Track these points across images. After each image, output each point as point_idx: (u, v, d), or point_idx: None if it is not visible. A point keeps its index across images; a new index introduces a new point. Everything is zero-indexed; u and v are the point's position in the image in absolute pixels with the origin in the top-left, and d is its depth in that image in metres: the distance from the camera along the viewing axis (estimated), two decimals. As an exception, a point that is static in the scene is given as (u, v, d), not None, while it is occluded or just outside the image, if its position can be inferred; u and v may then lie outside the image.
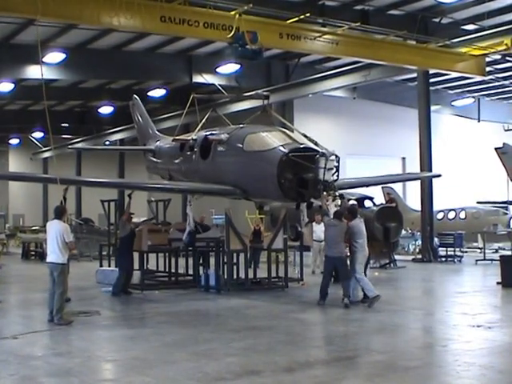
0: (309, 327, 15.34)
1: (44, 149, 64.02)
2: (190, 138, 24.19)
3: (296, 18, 24.08)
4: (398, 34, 27.22)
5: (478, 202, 40.83)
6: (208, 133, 23.31)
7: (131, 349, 12.43)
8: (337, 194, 19.32)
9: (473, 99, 50.14)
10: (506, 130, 52.55)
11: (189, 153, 24.15)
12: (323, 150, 19.27)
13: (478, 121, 51.50)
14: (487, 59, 33.59)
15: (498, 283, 21.97)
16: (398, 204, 32.48)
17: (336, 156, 19.17)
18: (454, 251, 33.35)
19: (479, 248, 34.76)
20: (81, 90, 46.56)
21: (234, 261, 21.72)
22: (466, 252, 35.50)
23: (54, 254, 15.14)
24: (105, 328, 15.08)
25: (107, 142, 55.75)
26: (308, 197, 20.00)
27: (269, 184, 20.08)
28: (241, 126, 22.97)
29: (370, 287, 17.84)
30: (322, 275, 18.91)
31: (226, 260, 21.37)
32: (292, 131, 22.63)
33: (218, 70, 38.23)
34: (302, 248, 23.96)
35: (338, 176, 19.42)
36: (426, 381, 10.27)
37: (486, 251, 33.06)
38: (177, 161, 25.25)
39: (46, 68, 35.60)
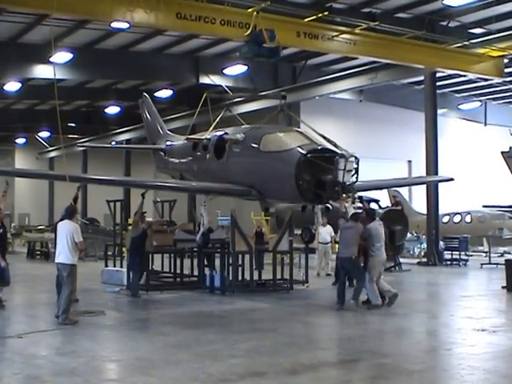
0: (313, 329, 15.33)
1: (50, 148, 64.16)
2: (203, 137, 23.89)
3: (314, 17, 23.84)
4: (415, 35, 27.05)
5: (483, 206, 40.75)
6: (222, 132, 23.08)
7: (135, 349, 12.43)
8: (356, 196, 19.15)
9: (479, 103, 50.04)
10: (512, 134, 52.44)
11: (202, 152, 23.87)
12: (342, 152, 19.01)
13: (485, 124, 51.38)
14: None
15: (503, 287, 21.92)
16: (403, 207, 32.44)
17: (355, 158, 18.91)
18: (460, 255, 33.34)
19: (484, 252, 34.73)
20: (87, 90, 46.64)
21: (239, 262, 21.73)
22: (472, 256, 35.45)
23: (63, 254, 15.00)
24: (109, 328, 15.11)
25: (113, 142, 55.78)
26: (326, 199, 19.73)
27: (286, 185, 19.83)
28: (257, 126, 22.77)
29: (376, 295, 17.55)
30: (339, 280, 18.57)
31: (231, 261, 21.37)
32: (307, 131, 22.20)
33: (224, 71, 38.23)
34: (308, 250, 23.94)
35: (357, 178, 19.12)
36: (430, 384, 10.28)
37: (492, 255, 33.04)
38: (189, 160, 24.96)
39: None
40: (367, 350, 12.68)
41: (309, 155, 19.28)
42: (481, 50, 28.87)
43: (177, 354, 11.90)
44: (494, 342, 13.44)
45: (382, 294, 17.70)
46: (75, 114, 55.62)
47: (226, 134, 22.84)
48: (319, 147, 19.86)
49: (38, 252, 38.82)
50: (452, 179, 30.67)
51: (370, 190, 26.36)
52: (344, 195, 18.64)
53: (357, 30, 25.40)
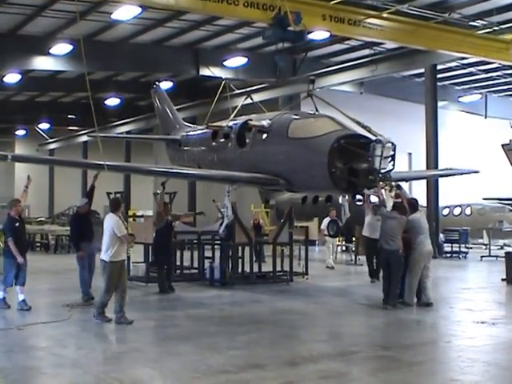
0: (313, 322, 15.33)
1: (50, 140, 64.17)
2: (224, 125, 22.62)
3: None
4: (444, 19, 26.65)
5: (483, 199, 40.76)
6: (245, 119, 21.83)
7: (135, 341, 12.45)
8: (393, 184, 18.19)
9: (480, 95, 49.98)
10: (512, 127, 52.38)
11: (223, 141, 22.62)
12: (378, 137, 17.98)
13: (485, 117, 51.35)
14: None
15: (502, 280, 21.97)
16: (403, 200, 32.39)
17: (392, 143, 17.86)
18: (460, 247, 33.37)
19: (484, 244, 34.75)
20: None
21: (239, 254, 21.71)
22: (471, 248, 35.47)
23: (103, 249, 14.28)
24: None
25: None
26: (361, 187, 18.61)
27: (318, 174, 18.59)
28: (284, 111, 21.60)
29: (412, 293, 16.69)
30: (382, 277, 17.19)
31: (231, 253, 21.33)
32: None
33: (225, 63, 38.18)
34: (307, 242, 23.94)
35: (394, 165, 18.07)
36: (429, 376, 10.27)
37: (492, 247, 33.05)
38: (208, 150, 23.67)
39: (54, 59, 35.70)
40: (367, 343, 12.71)
41: (342, 141, 18.06)
42: (508, 37, 28.04)
43: (177, 346, 11.92)
44: (493, 334, 13.46)
45: (421, 293, 16.91)
46: (75, 105, 55.55)
47: (249, 120, 21.58)
48: (353, 133, 18.81)
49: (38, 244, 38.74)
50: (477, 171, 29.84)
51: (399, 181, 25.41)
52: (381, 183, 17.63)
53: (384, 14, 24.62)
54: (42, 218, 46.67)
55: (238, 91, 33.71)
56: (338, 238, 27.26)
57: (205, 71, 39.43)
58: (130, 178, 53.13)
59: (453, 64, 39.31)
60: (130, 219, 26.97)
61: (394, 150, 17.85)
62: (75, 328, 13.82)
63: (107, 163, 17.65)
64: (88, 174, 59.83)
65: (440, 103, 37.60)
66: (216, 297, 19.03)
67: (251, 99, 23.59)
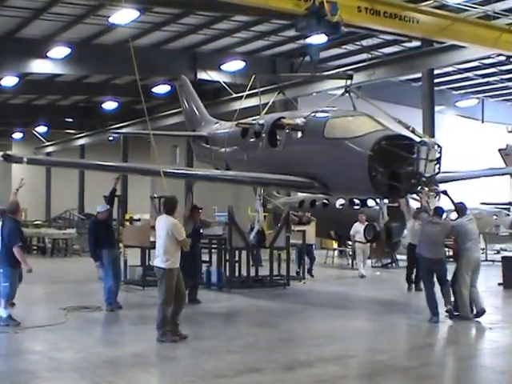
0: (310, 325, 15.32)
1: (47, 143, 64.15)
2: (255, 122, 21.20)
3: None
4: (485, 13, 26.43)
5: (481, 203, 40.77)
6: (278, 117, 20.70)
7: (132, 345, 12.43)
8: (439, 189, 17.36)
9: (477, 100, 50.07)
10: (509, 132, 52.45)
11: (254, 140, 21.16)
12: (423, 138, 16.93)
13: (482, 122, 51.42)
14: (491, 60, 33.32)
15: (499, 284, 21.96)
16: (400, 204, 32.38)
17: (438, 145, 16.80)
18: (457, 251, 33.28)
19: (481, 249, 34.67)
20: (85, 85, 46.58)
21: (236, 258, 21.68)
22: (468, 253, 35.42)
23: (158, 255, 12.89)
24: (106, 324, 15.10)
25: (111, 138, 55.75)
26: (404, 192, 17.68)
27: (357, 177, 17.39)
28: (319, 109, 20.50)
29: (466, 305, 15.46)
30: (424, 287, 15.97)
31: (228, 257, 21.28)
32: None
33: (222, 67, 38.22)
34: (305, 247, 23.91)
35: (439, 169, 16.98)
36: (426, 381, 10.26)
37: (488, 252, 33.03)
38: (237, 149, 22.34)
39: (51, 62, 35.69)
40: (363, 346, 12.71)
41: (384, 142, 16.82)
42: None
43: (174, 350, 11.91)
44: (490, 338, 13.48)
45: (471, 304, 15.81)
46: (72, 108, 55.59)
47: (282, 118, 20.32)
48: (395, 133, 17.48)
49: (35, 247, 38.63)
50: None
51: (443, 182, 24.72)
52: (426, 188, 16.76)
53: (421, 7, 24.16)
54: (39, 222, 46.58)
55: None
56: (369, 245, 26.07)
57: (202, 75, 39.44)
58: (127, 181, 53.10)
59: (450, 69, 39.40)
60: (127, 223, 26.90)
61: (440, 152, 16.92)
62: (72, 332, 13.78)
63: (164, 169, 15.91)
64: (85, 177, 60.04)
65: (437, 108, 37.63)
66: (213, 301, 19.00)
67: (283, 94, 22.76)
